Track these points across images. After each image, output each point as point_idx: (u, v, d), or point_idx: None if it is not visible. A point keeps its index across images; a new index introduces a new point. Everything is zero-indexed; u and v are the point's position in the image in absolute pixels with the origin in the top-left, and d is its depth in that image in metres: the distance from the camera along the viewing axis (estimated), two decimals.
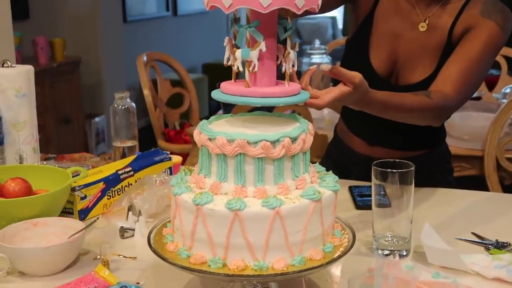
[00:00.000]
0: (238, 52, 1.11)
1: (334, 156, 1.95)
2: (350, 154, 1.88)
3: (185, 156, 2.95)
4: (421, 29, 1.68)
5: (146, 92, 3.44)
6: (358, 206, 1.64)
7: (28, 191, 1.44)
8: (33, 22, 4.90)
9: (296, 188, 1.09)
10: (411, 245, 1.37)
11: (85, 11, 5.18)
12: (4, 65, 1.75)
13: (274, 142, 1.05)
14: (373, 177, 1.35)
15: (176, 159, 1.86)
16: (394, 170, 1.32)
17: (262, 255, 1.04)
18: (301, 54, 3.10)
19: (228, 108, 2.85)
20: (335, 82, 1.37)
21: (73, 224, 1.36)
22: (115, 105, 1.83)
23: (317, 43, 3.91)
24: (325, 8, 1.66)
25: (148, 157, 1.74)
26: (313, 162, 1.19)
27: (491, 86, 3.74)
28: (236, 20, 1.13)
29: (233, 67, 1.13)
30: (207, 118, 1.18)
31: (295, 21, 1.18)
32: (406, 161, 1.34)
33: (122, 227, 1.47)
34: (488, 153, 2.63)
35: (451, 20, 1.65)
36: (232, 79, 1.16)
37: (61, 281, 1.22)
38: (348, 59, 1.82)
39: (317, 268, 1.07)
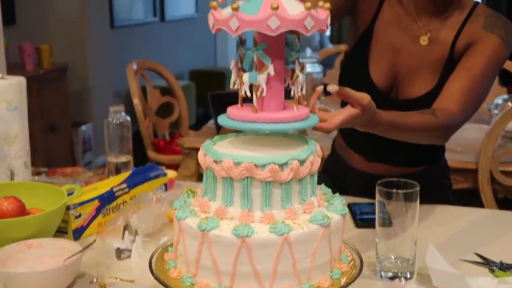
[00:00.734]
0: (246, 76, 1.07)
1: (332, 172, 1.92)
2: (348, 169, 1.85)
3: (175, 167, 2.91)
4: (423, 43, 1.66)
5: (136, 101, 3.40)
6: (358, 225, 1.61)
7: (22, 210, 1.39)
8: (19, 28, 4.83)
9: (304, 213, 1.06)
10: (415, 266, 1.34)
11: (72, 17, 5.13)
12: None
13: (282, 165, 1.02)
14: (377, 196, 1.32)
15: (171, 174, 1.82)
16: (399, 190, 1.29)
17: (270, 284, 1.01)
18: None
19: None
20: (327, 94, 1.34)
21: (68, 245, 1.32)
22: (110, 119, 1.78)
23: (308, 52, 3.89)
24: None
25: (143, 173, 1.70)
26: None
27: None
28: (243, 42, 1.09)
29: (239, 92, 1.09)
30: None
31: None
32: (411, 181, 1.32)
33: (118, 248, 1.43)
34: (482, 166, 2.61)
35: (453, 34, 1.63)
36: (239, 104, 1.12)
37: None
38: (347, 72, 1.79)
39: None
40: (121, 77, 4.21)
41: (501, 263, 1.39)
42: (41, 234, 1.35)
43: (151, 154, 3.44)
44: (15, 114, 1.71)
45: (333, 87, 1.24)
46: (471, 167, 2.68)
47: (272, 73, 1.06)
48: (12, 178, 1.68)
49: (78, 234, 1.49)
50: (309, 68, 3.74)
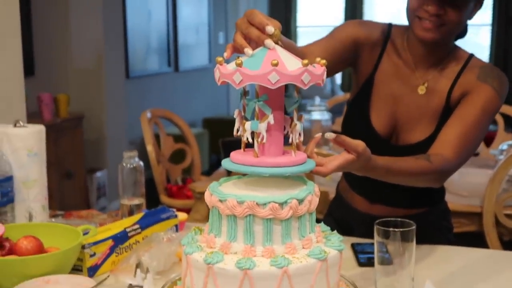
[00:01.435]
0: (248, 124, 1.16)
1: (336, 214, 2.00)
2: (351, 212, 1.92)
3: (187, 211, 2.99)
4: (420, 92, 1.75)
5: (150, 148, 3.50)
6: (360, 263, 1.68)
7: (40, 249, 1.48)
8: (38, 78, 5.00)
9: (303, 248, 1.14)
10: None
11: (89, 67, 5.29)
12: (17, 125, 1.81)
13: (282, 204, 1.10)
14: (375, 235, 1.39)
15: (182, 216, 1.90)
16: (396, 229, 1.36)
17: None
18: (300, 110, 3.16)
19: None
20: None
21: (83, 281, 1.40)
22: (124, 164, 1.88)
23: (317, 100, 3.99)
24: (328, 73, 1.74)
25: (155, 215, 1.78)
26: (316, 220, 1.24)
27: (489, 142, 3.81)
28: (246, 93, 1.19)
29: (242, 138, 1.19)
30: (208, 172, 1.23)
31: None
32: (407, 220, 1.39)
33: (130, 284, 1.50)
34: (486, 210, 2.67)
35: (449, 84, 1.72)
36: (242, 149, 1.22)
37: None
38: (349, 119, 1.88)
39: None
40: (136, 125, 4.33)
41: None
42: (58, 271, 1.42)
43: (164, 199, 3.53)
44: (35, 160, 1.81)
45: (330, 135, 1.33)
46: (476, 211, 2.74)
47: (272, 122, 1.15)
48: (30, 219, 1.78)
49: (92, 271, 1.57)
50: (318, 116, 3.85)
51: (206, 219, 2.90)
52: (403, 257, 1.37)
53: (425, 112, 1.74)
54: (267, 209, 1.09)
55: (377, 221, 1.39)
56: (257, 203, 1.09)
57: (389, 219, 1.39)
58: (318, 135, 1.33)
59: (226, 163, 1.20)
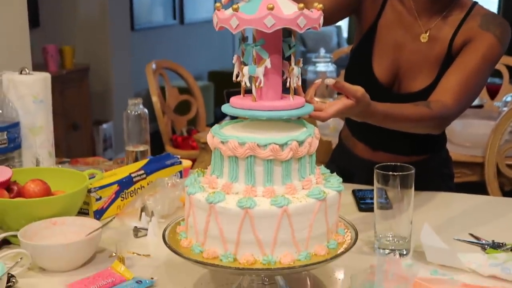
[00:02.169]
0: (246, 69, 1.18)
1: (338, 162, 2.02)
2: (353, 159, 1.95)
3: (192, 161, 3.02)
4: (423, 40, 1.75)
5: (155, 99, 3.52)
6: (361, 209, 1.71)
7: (47, 192, 1.51)
8: (43, 30, 4.99)
9: (303, 188, 1.16)
10: (411, 244, 1.44)
11: (94, 19, 5.28)
12: (22, 72, 1.83)
13: (282, 145, 1.12)
14: (375, 180, 1.42)
15: (186, 163, 1.93)
16: (395, 173, 1.39)
17: (271, 251, 1.11)
18: (306, 62, 3.17)
19: (234, 116, 2.93)
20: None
21: (90, 223, 1.44)
22: (128, 111, 1.90)
23: (322, 51, 3.99)
24: (331, 20, 1.74)
25: (160, 161, 1.81)
26: None
27: (493, 94, 3.81)
28: (244, 39, 1.21)
29: (241, 83, 1.21)
30: (213, 125, 1.26)
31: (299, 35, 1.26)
32: (407, 165, 1.41)
33: (135, 227, 1.54)
34: (488, 160, 2.69)
35: (452, 32, 1.72)
36: (241, 94, 1.24)
37: (79, 276, 1.30)
38: (352, 68, 1.89)
39: (321, 263, 1.14)
40: (141, 77, 4.34)
41: (493, 242, 1.48)
42: (65, 214, 1.46)
43: (169, 149, 3.56)
44: (41, 107, 1.83)
45: (330, 81, 1.35)
46: (479, 161, 2.76)
47: (269, 66, 1.17)
48: (37, 165, 1.81)
49: (98, 215, 1.61)
50: (323, 68, 3.85)
51: None
52: (402, 201, 1.40)
53: (427, 60, 1.74)
54: (267, 150, 1.12)
55: (377, 165, 1.41)
56: (258, 145, 1.12)
57: (388, 163, 1.41)
58: (318, 81, 1.35)
59: (226, 108, 1.22)
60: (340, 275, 1.34)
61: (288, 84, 1.22)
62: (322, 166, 1.28)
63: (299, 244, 1.12)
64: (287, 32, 1.21)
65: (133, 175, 1.70)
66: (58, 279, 1.31)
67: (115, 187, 1.65)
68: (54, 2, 5.12)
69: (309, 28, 1.17)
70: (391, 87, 1.80)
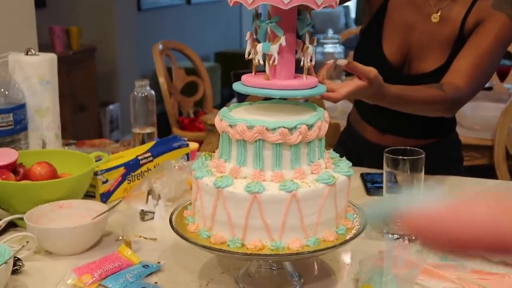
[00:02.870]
0: (259, 46, 1.16)
1: (346, 144, 2.00)
2: (362, 142, 1.93)
3: (199, 143, 3.01)
4: (434, 20, 1.72)
5: (162, 80, 3.50)
6: (369, 193, 1.70)
7: (54, 174, 1.50)
8: (49, 10, 4.96)
9: (312, 173, 1.14)
10: None
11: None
12: (28, 53, 1.81)
13: (291, 129, 1.10)
14: (384, 164, 1.40)
15: (193, 145, 1.92)
16: (405, 157, 1.37)
17: (279, 236, 1.10)
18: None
19: (241, 97, 2.91)
20: (348, 73, 1.42)
21: (96, 206, 1.43)
22: (135, 93, 1.88)
23: (330, 32, 3.95)
24: (341, 1, 1.71)
25: (167, 143, 1.80)
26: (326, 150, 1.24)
27: (503, 76, 3.77)
28: (258, 15, 1.18)
29: (253, 61, 1.18)
30: (220, 106, 1.24)
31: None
32: (417, 149, 1.39)
33: (142, 210, 1.53)
34: (497, 143, 2.67)
35: (463, 12, 1.69)
36: (253, 72, 1.21)
37: (86, 260, 1.28)
38: (362, 48, 1.86)
39: (330, 249, 1.12)
40: (148, 58, 4.32)
41: None
42: (71, 196, 1.45)
43: (176, 131, 3.55)
44: (47, 88, 1.82)
45: (342, 61, 1.33)
46: (488, 144, 2.74)
47: (284, 43, 1.14)
48: (44, 147, 1.80)
49: (105, 198, 1.60)
50: (331, 49, 3.81)
51: None
52: (412, 185, 1.38)
53: (438, 41, 1.72)
54: (276, 134, 1.10)
55: (387, 149, 1.39)
56: (266, 128, 1.10)
57: (398, 147, 1.39)
58: (330, 61, 1.33)
59: (237, 86, 1.20)
60: (348, 260, 1.33)
61: (302, 63, 1.20)
62: (332, 150, 1.27)
63: (307, 229, 1.11)
64: (299, 11, 1.19)
65: (139, 157, 1.69)
66: (65, 262, 1.30)
67: (121, 170, 1.63)
68: None
69: (326, 6, 1.15)
70: (401, 68, 1.78)
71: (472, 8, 1.69)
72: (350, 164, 1.22)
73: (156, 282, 1.23)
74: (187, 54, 3.87)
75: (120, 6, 5.31)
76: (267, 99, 1.23)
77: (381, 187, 1.47)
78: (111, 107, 5.26)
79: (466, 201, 0.78)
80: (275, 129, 1.10)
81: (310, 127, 1.13)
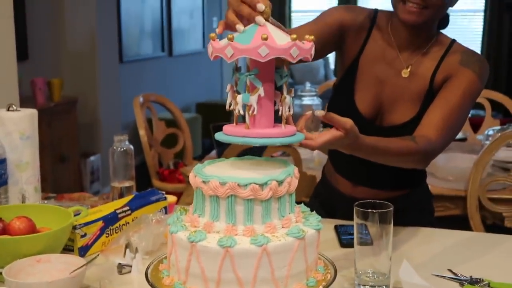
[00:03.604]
0: (239, 97, 1.23)
1: (321, 196, 2.05)
2: (336, 194, 1.98)
3: (179, 195, 3.04)
4: (404, 75, 1.80)
5: (142, 132, 3.55)
6: (342, 244, 1.74)
7: (32, 229, 1.53)
8: (31, 63, 5.02)
9: (282, 227, 1.19)
10: (391, 280, 1.46)
11: (82, 51, 5.32)
12: (10, 109, 1.85)
13: (262, 185, 1.16)
14: (355, 217, 1.44)
15: (171, 198, 1.95)
16: (374, 210, 1.42)
17: None
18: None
19: (221, 148, 2.96)
20: (326, 125, 1.48)
21: (74, 260, 1.45)
22: (114, 147, 1.93)
23: (307, 85, 4.04)
24: (316, 56, 1.79)
25: (145, 197, 1.83)
26: (301, 202, 1.29)
27: (476, 128, 3.86)
28: (238, 69, 1.25)
29: (234, 111, 1.25)
30: (201, 157, 1.29)
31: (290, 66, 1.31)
32: (386, 202, 1.44)
33: (120, 263, 1.56)
34: (470, 193, 2.72)
35: (432, 68, 1.77)
36: (234, 122, 1.28)
37: None
38: (335, 102, 1.93)
39: None
40: (129, 109, 4.37)
41: (471, 277, 1.51)
42: (49, 251, 1.47)
43: (156, 183, 3.58)
44: (27, 143, 1.85)
45: (320, 112, 1.38)
46: (461, 194, 2.79)
47: (262, 94, 1.21)
48: (23, 201, 1.82)
49: (83, 251, 1.62)
50: (308, 101, 3.89)
51: None
52: (382, 237, 1.43)
53: (409, 95, 1.79)
54: (248, 190, 1.15)
55: (356, 203, 1.44)
56: (238, 184, 1.15)
57: (368, 201, 1.44)
58: (309, 112, 1.39)
59: (219, 135, 1.25)
60: None
61: (280, 113, 1.26)
62: (302, 205, 1.32)
63: (278, 282, 1.15)
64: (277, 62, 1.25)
65: (118, 211, 1.72)
66: None
67: (100, 224, 1.67)
68: (43, 35, 5.17)
69: (301, 59, 1.22)
70: (374, 120, 1.84)
71: (441, 64, 1.77)
72: (320, 218, 1.27)
73: None
74: (168, 107, 3.93)
75: (102, 58, 5.39)
76: (245, 151, 1.28)
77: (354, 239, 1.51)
78: (92, 158, 5.28)
79: None
80: (246, 185, 1.15)
81: (280, 183, 1.18)
